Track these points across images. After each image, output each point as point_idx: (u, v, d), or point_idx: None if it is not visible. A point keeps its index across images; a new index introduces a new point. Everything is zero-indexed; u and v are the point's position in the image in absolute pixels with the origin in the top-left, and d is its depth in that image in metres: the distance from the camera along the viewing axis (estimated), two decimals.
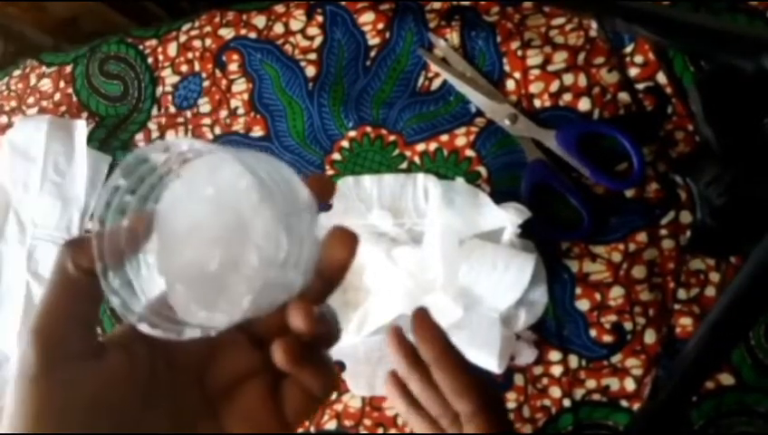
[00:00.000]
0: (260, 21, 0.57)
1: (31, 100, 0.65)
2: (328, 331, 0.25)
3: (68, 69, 0.64)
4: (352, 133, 0.53)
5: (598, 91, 0.48)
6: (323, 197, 0.25)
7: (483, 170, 0.50)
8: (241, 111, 0.56)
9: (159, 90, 0.60)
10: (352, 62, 0.54)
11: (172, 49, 0.60)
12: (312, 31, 0.55)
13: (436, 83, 0.52)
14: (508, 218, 0.46)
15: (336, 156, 0.53)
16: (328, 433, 0.51)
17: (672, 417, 0.39)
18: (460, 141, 0.51)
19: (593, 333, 0.46)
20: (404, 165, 0.52)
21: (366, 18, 0.54)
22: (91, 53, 0.63)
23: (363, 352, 0.50)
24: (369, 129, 0.53)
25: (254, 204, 0.22)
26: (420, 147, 0.51)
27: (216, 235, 0.23)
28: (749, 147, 0.36)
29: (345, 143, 0.53)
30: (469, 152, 0.50)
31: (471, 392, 0.36)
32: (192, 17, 0.60)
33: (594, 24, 0.48)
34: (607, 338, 0.46)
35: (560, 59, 0.49)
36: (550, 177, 0.47)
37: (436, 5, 0.52)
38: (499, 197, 0.48)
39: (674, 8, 0.46)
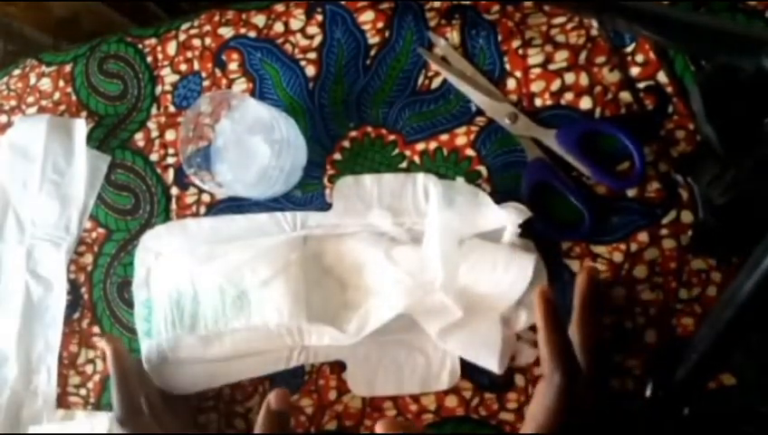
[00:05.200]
0: (259, 20, 0.57)
1: (30, 99, 0.65)
2: None
3: (67, 68, 0.63)
4: (353, 133, 0.53)
5: (599, 90, 0.48)
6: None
7: (483, 170, 0.50)
8: None
9: (159, 89, 0.59)
10: (352, 61, 0.54)
11: (171, 48, 0.59)
12: (312, 30, 0.55)
13: (436, 82, 0.52)
14: (508, 218, 0.46)
15: (337, 156, 0.53)
16: (329, 433, 0.51)
17: (672, 416, 0.39)
18: (460, 141, 0.50)
19: None
20: (404, 164, 0.52)
21: (366, 17, 0.54)
22: (91, 52, 0.63)
23: (363, 352, 0.50)
24: (369, 128, 0.53)
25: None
26: (420, 146, 0.51)
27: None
28: (750, 146, 0.36)
29: (346, 143, 0.53)
30: (469, 151, 0.50)
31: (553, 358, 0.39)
32: (191, 16, 0.60)
33: (595, 23, 0.48)
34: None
35: (561, 58, 0.49)
36: (550, 176, 0.47)
37: (436, 4, 0.52)
38: (499, 196, 0.48)
39: (674, 8, 0.46)
